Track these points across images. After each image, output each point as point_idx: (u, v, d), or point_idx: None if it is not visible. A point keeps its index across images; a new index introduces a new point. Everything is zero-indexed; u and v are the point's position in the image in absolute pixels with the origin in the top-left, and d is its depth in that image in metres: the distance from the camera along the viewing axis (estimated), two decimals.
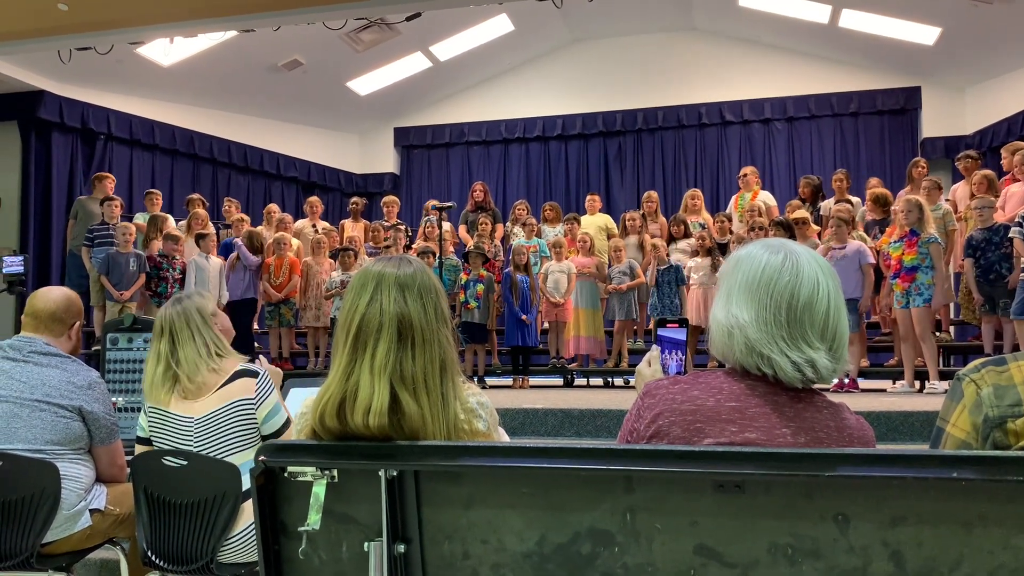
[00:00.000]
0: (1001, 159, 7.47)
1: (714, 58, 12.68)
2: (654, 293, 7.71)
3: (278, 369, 3.01)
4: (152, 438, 2.73)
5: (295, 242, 8.90)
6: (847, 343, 1.41)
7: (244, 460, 2.63)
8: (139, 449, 2.77)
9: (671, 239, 8.43)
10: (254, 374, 2.70)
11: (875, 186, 8.02)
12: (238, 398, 2.66)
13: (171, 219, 9.03)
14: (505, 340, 8.03)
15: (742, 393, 1.36)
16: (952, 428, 1.35)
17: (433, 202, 8.88)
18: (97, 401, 2.82)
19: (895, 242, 6.44)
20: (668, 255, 7.89)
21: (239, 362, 2.74)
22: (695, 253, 7.92)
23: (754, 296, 1.37)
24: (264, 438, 2.68)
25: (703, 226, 8.57)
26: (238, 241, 8.42)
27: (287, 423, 2.71)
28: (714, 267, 7.74)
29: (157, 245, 8.40)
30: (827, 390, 1.31)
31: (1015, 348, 6.23)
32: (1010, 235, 6.24)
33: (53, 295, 2.93)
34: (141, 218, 8.98)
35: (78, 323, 2.98)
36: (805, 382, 1.36)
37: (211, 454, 2.63)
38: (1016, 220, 6.25)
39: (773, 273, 1.37)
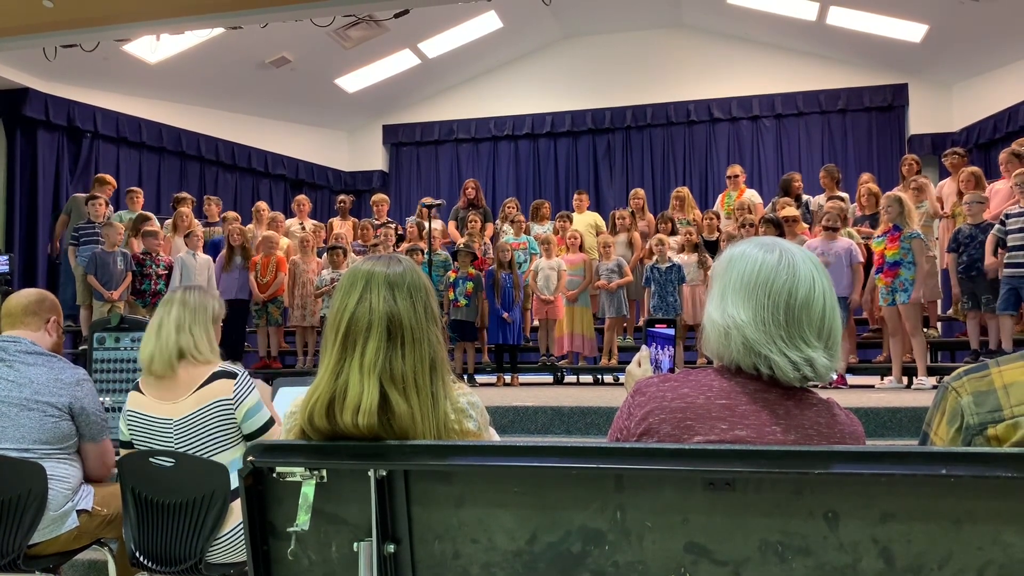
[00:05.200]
0: (994, 154, 7.49)
1: (702, 55, 12.70)
2: (656, 293, 7.60)
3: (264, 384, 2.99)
4: (133, 442, 2.72)
5: (284, 241, 8.85)
6: (840, 341, 1.41)
7: (230, 459, 2.62)
8: (123, 454, 2.75)
9: None
10: (232, 375, 2.70)
11: (867, 181, 8.02)
12: (216, 399, 2.65)
13: (153, 217, 8.92)
14: (489, 338, 8.01)
15: (732, 391, 1.36)
16: (935, 436, 1.36)
17: (427, 200, 8.87)
18: (86, 397, 2.83)
19: (878, 237, 6.48)
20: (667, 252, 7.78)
21: (218, 364, 2.73)
22: (681, 250, 7.91)
23: (751, 295, 1.36)
24: (246, 437, 2.67)
25: (690, 223, 8.58)
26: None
27: (270, 422, 2.70)
28: (701, 264, 7.73)
29: (135, 243, 8.32)
30: (816, 386, 1.32)
31: (1000, 344, 6.27)
32: (993, 232, 6.29)
33: (24, 292, 2.99)
34: (117, 218, 8.86)
35: (54, 318, 2.97)
36: (802, 381, 1.35)
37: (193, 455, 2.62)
38: (1000, 218, 6.30)
39: (770, 272, 1.37)
